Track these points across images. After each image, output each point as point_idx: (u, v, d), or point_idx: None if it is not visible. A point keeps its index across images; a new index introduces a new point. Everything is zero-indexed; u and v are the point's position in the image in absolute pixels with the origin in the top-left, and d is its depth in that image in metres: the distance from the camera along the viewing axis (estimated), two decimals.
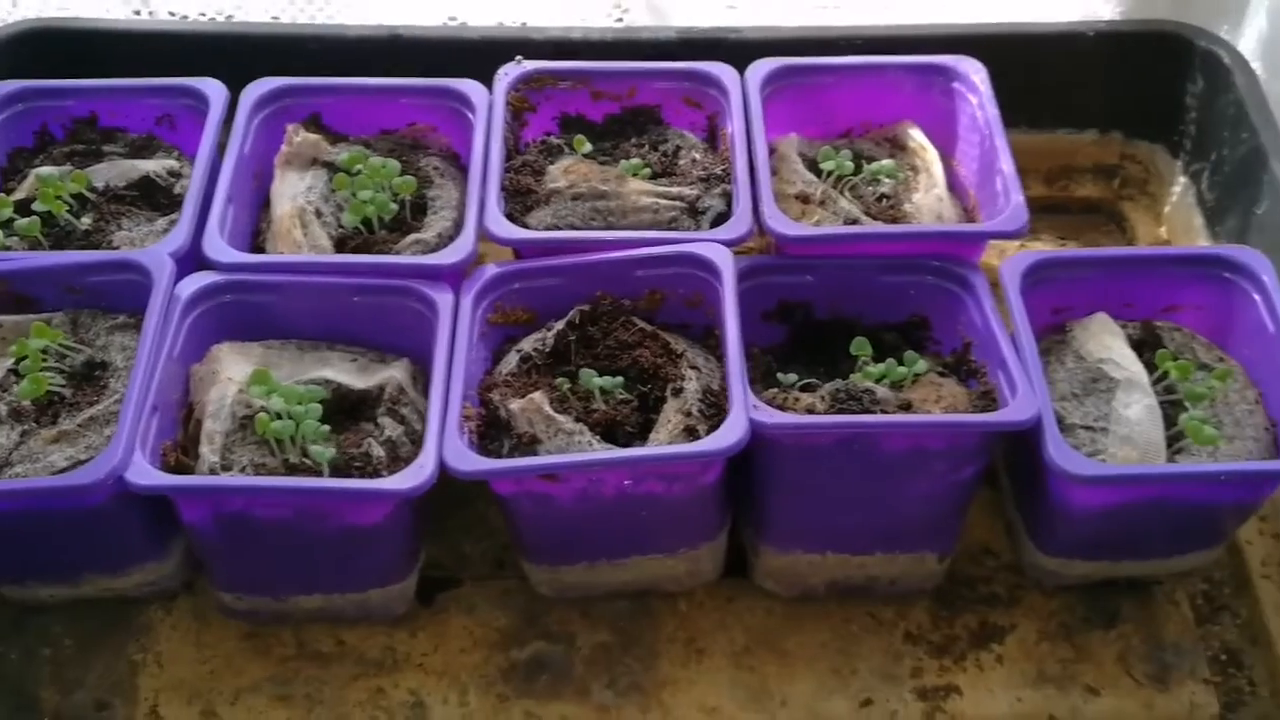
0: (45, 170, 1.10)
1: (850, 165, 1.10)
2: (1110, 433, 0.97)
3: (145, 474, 0.89)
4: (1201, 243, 1.25)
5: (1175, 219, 1.31)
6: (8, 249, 1.05)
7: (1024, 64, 1.27)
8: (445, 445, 0.91)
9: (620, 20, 1.34)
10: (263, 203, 1.12)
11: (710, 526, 1.00)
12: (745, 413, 0.91)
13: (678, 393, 0.96)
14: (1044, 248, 1.31)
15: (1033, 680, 1.02)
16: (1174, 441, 0.97)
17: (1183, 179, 1.31)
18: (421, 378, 1.02)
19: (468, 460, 0.91)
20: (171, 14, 1.35)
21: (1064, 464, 0.91)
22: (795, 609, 1.06)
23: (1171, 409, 0.99)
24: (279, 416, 0.94)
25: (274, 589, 0.99)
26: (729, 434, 0.90)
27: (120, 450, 0.89)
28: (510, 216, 1.06)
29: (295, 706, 1.00)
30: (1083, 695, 1.01)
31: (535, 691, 1.01)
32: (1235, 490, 0.95)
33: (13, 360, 0.98)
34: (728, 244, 1.02)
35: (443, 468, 0.90)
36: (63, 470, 0.92)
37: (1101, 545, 1.01)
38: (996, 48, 1.23)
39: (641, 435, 0.95)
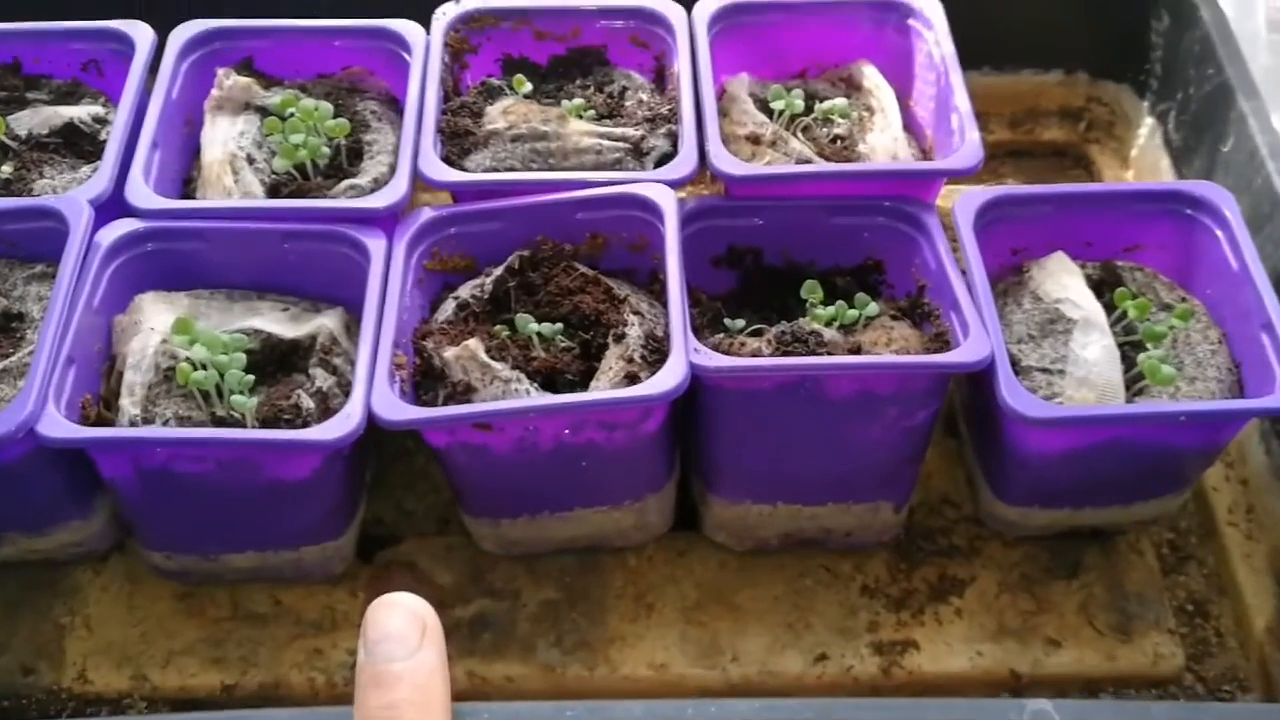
0: None
1: (801, 104, 1.06)
2: (1067, 375, 0.93)
3: (58, 426, 0.85)
4: None
5: (1142, 161, 1.28)
6: None
7: (987, 4, 1.23)
8: (374, 394, 0.87)
9: None
10: (193, 151, 1.07)
11: (656, 477, 0.97)
12: (686, 356, 0.88)
13: (620, 339, 0.92)
14: None
15: (993, 634, 0.99)
16: (1134, 384, 0.94)
17: (1149, 120, 1.27)
18: (356, 327, 0.98)
19: (397, 410, 0.87)
20: None
21: (1017, 406, 0.87)
22: (748, 562, 1.02)
23: (1132, 350, 0.96)
24: (202, 367, 0.90)
25: (203, 547, 0.96)
26: (668, 378, 0.86)
27: (31, 402, 0.85)
28: (448, 160, 1.02)
29: (229, 669, 0.96)
30: (1044, 648, 0.98)
31: (479, 650, 0.97)
32: (1196, 432, 0.92)
33: None
34: (671, 184, 0.98)
35: (371, 418, 0.87)
36: None
37: (1061, 493, 0.97)
38: None
39: (584, 384, 0.92)
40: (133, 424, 0.89)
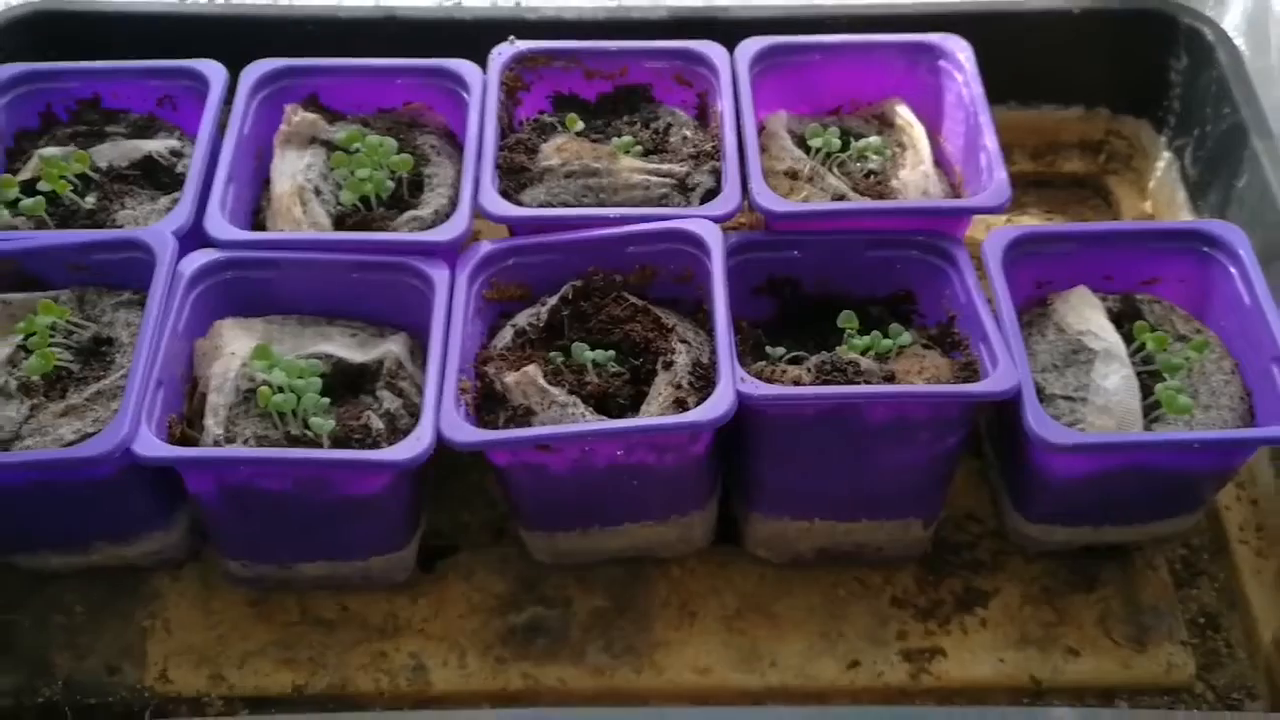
0: (49, 151, 1.13)
1: (838, 142, 1.12)
2: (1089, 402, 0.99)
3: (151, 446, 0.92)
4: (1185, 217, 1.28)
5: (1160, 193, 1.33)
6: (14, 228, 1.07)
7: (1011, 41, 1.29)
8: (442, 417, 0.94)
9: None
10: (263, 181, 1.14)
11: (700, 495, 1.03)
12: (733, 385, 0.94)
13: (668, 366, 0.99)
14: (1031, 222, 1.34)
15: (1015, 642, 1.05)
16: (1151, 411, 1.00)
17: (1167, 154, 1.33)
18: (419, 352, 1.04)
19: (464, 432, 0.93)
20: None
21: (1043, 433, 0.94)
22: (785, 574, 1.08)
23: (1150, 379, 1.01)
24: (280, 390, 0.97)
25: (278, 557, 1.02)
26: (717, 406, 0.93)
27: (127, 423, 0.92)
28: (504, 194, 1.08)
29: (300, 670, 1.03)
30: (1063, 656, 1.04)
31: (532, 654, 1.04)
32: (1209, 457, 0.98)
33: (21, 337, 1.01)
34: (716, 220, 1.05)
35: (439, 439, 0.93)
36: (71, 443, 0.94)
37: (1081, 512, 1.03)
38: (984, 25, 1.26)
39: (633, 407, 0.98)
40: (216, 443, 0.96)
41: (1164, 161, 1.33)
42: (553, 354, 1.02)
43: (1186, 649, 1.05)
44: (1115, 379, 0.99)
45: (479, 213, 1.06)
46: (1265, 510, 1.12)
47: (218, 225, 1.05)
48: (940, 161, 1.18)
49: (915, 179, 1.13)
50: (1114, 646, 1.05)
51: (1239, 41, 1.30)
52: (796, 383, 0.98)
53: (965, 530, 1.12)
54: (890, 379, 0.99)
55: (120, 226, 1.08)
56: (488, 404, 0.99)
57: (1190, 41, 1.28)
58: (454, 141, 1.18)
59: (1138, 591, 1.08)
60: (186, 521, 1.04)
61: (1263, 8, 1.29)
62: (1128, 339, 1.04)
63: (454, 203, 1.09)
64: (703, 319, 1.05)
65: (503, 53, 1.18)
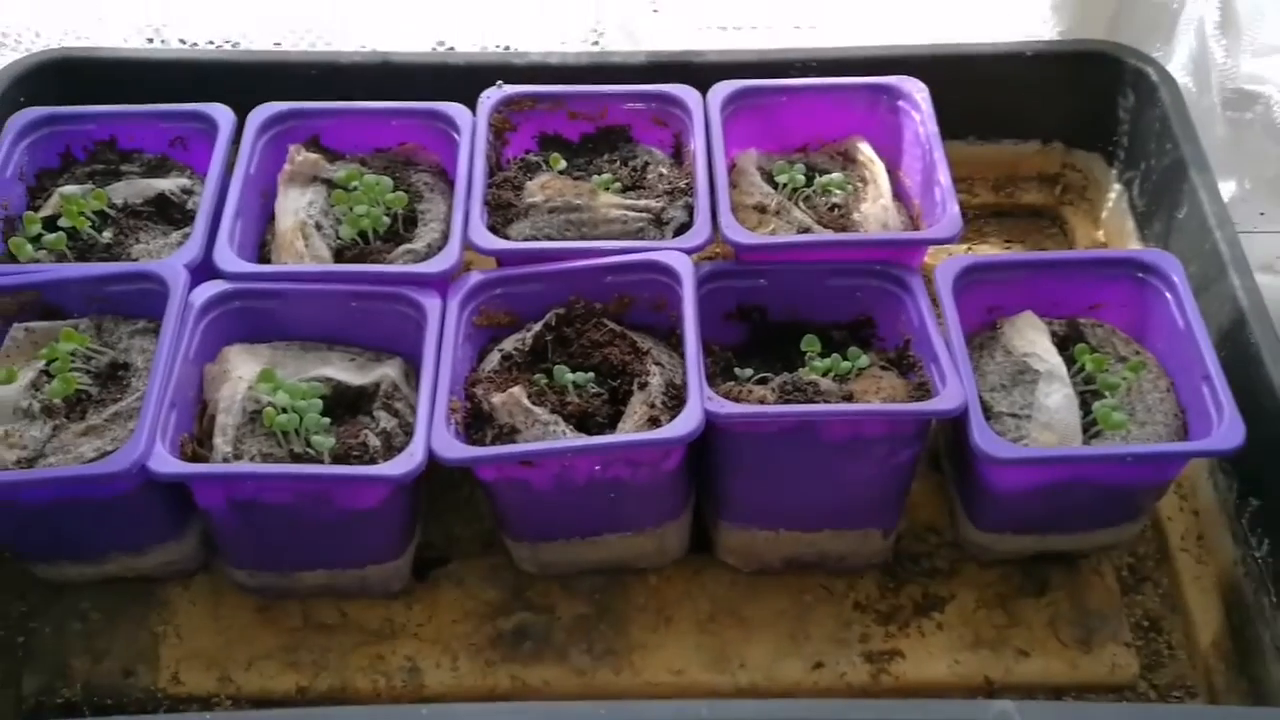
0: (69, 189, 1.21)
1: (802, 178, 1.21)
2: (1033, 419, 1.07)
3: (166, 463, 1.00)
4: (1135, 245, 1.36)
5: (1111, 223, 1.42)
6: (37, 261, 1.15)
7: (971, 82, 1.37)
8: (434, 435, 1.02)
9: (596, 43, 1.45)
10: (268, 217, 1.22)
11: (674, 507, 1.11)
12: (701, 404, 1.02)
13: (643, 387, 1.07)
14: (991, 250, 1.42)
15: (970, 644, 1.12)
16: (1091, 427, 1.08)
17: (1117, 186, 1.41)
18: (413, 375, 1.12)
19: (454, 449, 1.01)
20: (182, 42, 1.46)
21: (987, 448, 1.01)
22: (754, 581, 1.16)
23: (1091, 397, 1.09)
24: (284, 410, 1.04)
25: (282, 566, 1.10)
26: (685, 423, 1.01)
27: (143, 442, 1.00)
28: (492, 228, 1.17)
29: (303, 672, 1.10)
30: (1015, 657, 1.12)
31: (520, 657, 1.11)
32: (1143, 470, 1.06)
33: (44, 362, 1.09)
34: (688, 252, 1.13)
35: (431, 456, 1.01)
36: (91, 460, 1.02)
37: (1029, 521, 1.11)
38: (947, 67, 1.35)
39: (611, 425, 1.06)
40: (225, 460, 1.03)
41: (1115, 193, 1.41)
42: (537, 376, 1.10)
43: (1131, 650, 1.12)
44: (1057, 397, 1.07)
45: (469, 246, 1.14)
46: (1205, 521, 1.20)
47: (226, 258, 1.13)
48: (899, 195, 1.26)
49: (875, 212, 1.21)
50: (1062, 648, 1.12)
51: (1185, 81, 1.39)
52: (761, 402, 1.06)
53: (924, 540, 1.19)
54: (848, 398, 1.06)
55: (135, 260, 1.16)
56: (476, 423, 1.07)
57: (1136, 81, 1.36)
58: (446, 179, 1.26)
59: (1085, 596, 1.15)
60: (197, 534, 1.12)
61: (1205, 51, 1.38)
62: (1071, 361, 1.12)
63: (446, 236, 1.17)
64: (676, 343, 1.12)
65: (491, 96, 1.26)
